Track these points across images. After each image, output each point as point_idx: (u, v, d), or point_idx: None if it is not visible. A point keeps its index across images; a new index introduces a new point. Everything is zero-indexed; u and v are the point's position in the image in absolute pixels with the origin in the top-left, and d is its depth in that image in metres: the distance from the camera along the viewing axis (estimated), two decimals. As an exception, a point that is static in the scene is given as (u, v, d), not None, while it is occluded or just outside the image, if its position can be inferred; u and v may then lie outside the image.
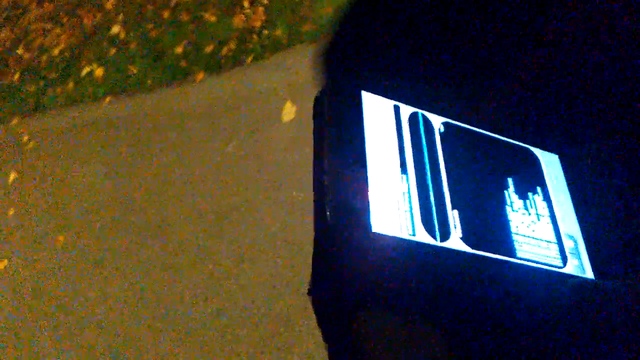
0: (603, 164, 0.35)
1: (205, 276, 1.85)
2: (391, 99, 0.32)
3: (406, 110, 0.33)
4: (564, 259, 0.31)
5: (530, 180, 0.34)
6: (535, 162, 0.36)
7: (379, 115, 0.31)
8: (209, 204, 2.06)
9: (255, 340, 1.60)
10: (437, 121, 0.33)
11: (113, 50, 3.24)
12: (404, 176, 0.29)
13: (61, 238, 2.42)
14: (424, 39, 0.36)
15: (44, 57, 3.68)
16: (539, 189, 0.34)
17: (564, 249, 0.32)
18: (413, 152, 0.31)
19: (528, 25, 0.35)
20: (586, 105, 0.36)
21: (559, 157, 0.37)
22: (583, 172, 0.36)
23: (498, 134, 0.35)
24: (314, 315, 0.28)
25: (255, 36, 2.51)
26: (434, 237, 0.28)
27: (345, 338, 0.27)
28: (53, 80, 3.44)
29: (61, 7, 3.95)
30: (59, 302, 2.17)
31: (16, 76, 3.75)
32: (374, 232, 0.26)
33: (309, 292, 0.27)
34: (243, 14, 2.64)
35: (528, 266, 0.30)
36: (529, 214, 0.32)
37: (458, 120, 0.34)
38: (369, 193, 0.27)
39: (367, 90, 0.31)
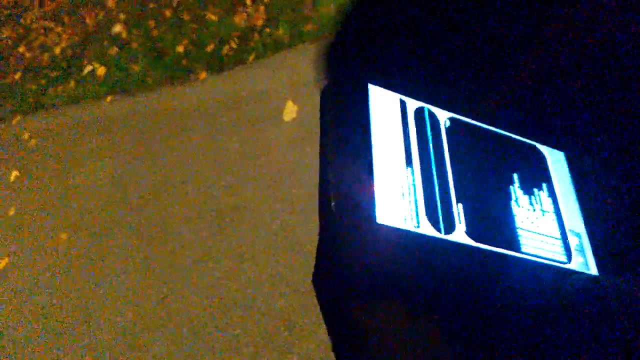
0: (609, 162, 0.35)
1: (205, 275, 1.85)
2: (397, 92, 0.32)
3: (412, 104, 0.33)
4: (569, 255, 0.31)
5: (536, 176, 0.34)
6: (541, 158, 0.36)
7: (385, 109, 0.31)
8: (210, 203, 2.05)
9: (255, 339, 1.60)
10: (443, 116, 0.33)
11: (115, 49, 3.24)
12: (409, 169, 0.29)
13: (63, 236, 2.42)
14: (428, 36, 0.36)
15: (46, 56, 3.68)
16: (544, 185, 0.34)
17: (568, 245, 0.32)
18: (418, 146, 0.31)
19: (536, 21, 0.35)
20: (593, 104, 0.36)
21: (565, 155, 0.37)
22: (589, 169, 0.36)
23: (504, 130, 0.35)
24: (314, 314, 0.28)
25: (256, 35, 2.51)
26: (438, 229, 0.28)
27: (348, 327, 0.27)
28: (54, 79, 3.44)
29: (63, 6, 3.95)
30: (60, 300, 2.17)
31: (17, 75, 3.75)
32: (379, 223, 0.26)
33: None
34: (245, 12, 2.64)
35: (532, 261, 0.30)
36: (534, 210, 0.32)
37: (464, 116, 0.34)
38: (374, 185, 0.27)
39: (373, 83, 0.32)
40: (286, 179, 1.92)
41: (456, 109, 0.35)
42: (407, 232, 0.27)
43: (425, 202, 0.28)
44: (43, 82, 3.50)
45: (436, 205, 0.29)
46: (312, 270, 0.28)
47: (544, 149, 0.36)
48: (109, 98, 2.98)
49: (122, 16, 3.39)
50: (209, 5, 2.87)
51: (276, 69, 2.32)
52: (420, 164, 0.30)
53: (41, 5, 4.03)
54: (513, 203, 0.32)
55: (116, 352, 1.85)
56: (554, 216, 0.33)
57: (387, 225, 0.26)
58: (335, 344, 0.27)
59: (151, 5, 3.23)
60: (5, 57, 3.99)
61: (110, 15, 3.50)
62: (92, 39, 3.47)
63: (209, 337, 1.69)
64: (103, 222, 2.34)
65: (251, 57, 2.45)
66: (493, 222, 0.30)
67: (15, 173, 3.01)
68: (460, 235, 0.28)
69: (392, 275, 0.27)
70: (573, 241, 0.32)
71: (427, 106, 0.33)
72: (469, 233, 0.29)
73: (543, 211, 0.33)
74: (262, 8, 2.59)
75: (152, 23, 3.13)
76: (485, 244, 0.29)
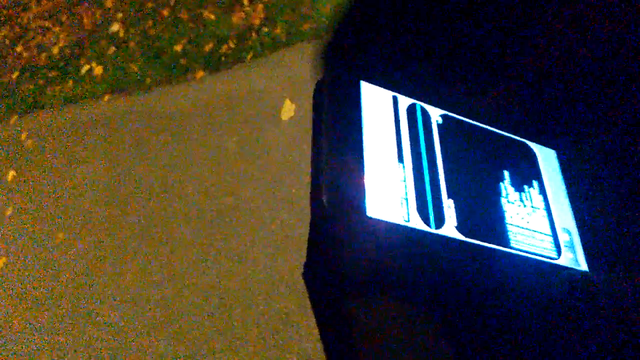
0: (599, 160, 0.35)
1: (204, 275, 1.85)
2: (390, 90, 0.33)
3: (404, 102, 0.33)
4: (559, 251, 0.32)
5: (527, 173, 0.35)
6: (532, 156, 0.36)
7: (378, 105, 0.32)
8: (208, 203, 2.06)
9: (254, 338, 1.60)
10: (435, 113, 0.34)
11: (112, 49, 3.23)
12: (401, 165, 0.30)
13: (60, 236, 2.42)
14: (423, 35, 0.37)
15: (43, 56, 3.68)
16: (535, 182, 0.35)
17: (558, 241, 0.32)
18: (410, 142, 0.31)
19: (527, 19, 0.35)
20: (583, 102, 0.36)
21: (556, 153, 0.38)
22: (580, 167, 0.37)
23: (496, 128, 0.36)
24: (313, 313, 0.28)
25: (254, 34, 2.51)
26: (428, 224, 0.28)
27: (338, 320, 0.28)
28: (52, 79, 3.44)
29: (60, 5, 3.95)
30: (58, 300, 2.17)
31: (15, 74, 3.74)
32: (369, 217, 0.27)
33: (304, 274, 0.27)
34: (243, 11, 2.64)
35: (522, 256, 0.30)
36: (525, 206, 0.33)
37: (456, 113, 0.35)
38: (365, 179, 0.28)
39: (367, 80, 0.32)
40: (285, 178, 1.92)
41: (448, 107, 0.35)
42: (397, 226, 0.27)
43: (416, 197, 0.29)
44: (41, 81, 3.50)
45: (427, 200, 0.29)
46: (307, 253, 0.28)
47: (535, 146, 0.36)
48: (106, 97, 2.98)
49: (119, 15, 3.39)
50: (207, 5, 2.87)
51: (274, 68, 2.32)
52: (412, 159, 0.30)
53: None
54: (503, 199, 0.32)
55: (115, 352, 1.86)
56: (544, 213, 0.33)
57: (377, 219, 0.27)
58: (325, 336, 0.27)
59: (149, 5, 3.23)
60: (2, 56, 3.99)
61: (108, 14, 3.50)
62: (90, 39, 3.46)
63: (208, 337, 1.69)
64: (100, 222, 2.34)
65: (249, 56, 2.46)
66: (483, 217, 0.30)
67: (12, 173, 3.00)
68: (450, 229, 0.29)
69: (382, 269, 0.27)
70: (563, 237, 0.33)
71: (419, 103, 0.33)
72: (459, 228, 0.29)
73: (533, 208, 0.33)
74: (260, 7, 2.59)
75: (149, 22, 3.13)
76: (475, 238, 0.29)
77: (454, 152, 0.32)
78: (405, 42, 0.37)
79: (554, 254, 0.31)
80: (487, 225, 0.30)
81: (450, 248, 0.28)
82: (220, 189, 2.07)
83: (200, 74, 2.61)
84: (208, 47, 2.66)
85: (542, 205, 0.34)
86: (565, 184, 0.36)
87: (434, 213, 0.29)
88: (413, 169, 0.30)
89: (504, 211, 0.31)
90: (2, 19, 4.29)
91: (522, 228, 0.31)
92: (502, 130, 0.36)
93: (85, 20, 3.62)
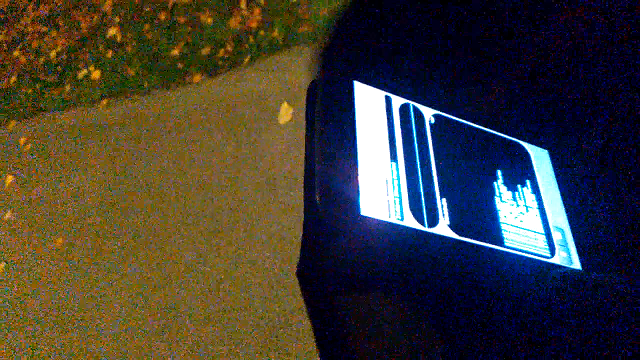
0: (592, 160, 0.36)
1: (202, 279, 1.85)
2: (383, 89, 0.33)
3: (397, 101, 0.33)
4: (552, 250, 0.32)
5: (520, 173, 0.35)
6: (525, 156, 0.36)
7: (371, 105, 0.32)
8: (206, 206, 2.06)
9: (253, 341, 1.60)
10: (428, 113, 0.34)
11: (110, 53, 3.24)
12: (394, 164, 0.30)
13: (59, 240, 2.42)
14: (418, 37, 0.37)
15: (41, 60, 3.68)
16: (528, 182, 0.35)
17: (552, 240, 0.32)
18: (403, 142, 0.31)
19: (520, 20, 0.35)
20: (576, 102, 0.36)
21: (549, 152, 0.38)
22: (573, 167, 0.37)
23: (489, 128, 0.36)
24: (306, 312, 0.28)
25: (252, 38, 2.52)
26: (422, 222, 0.28)
27: (332, 319, 0.28)
28: (50, 83, 3.44)
29: (57, 10, 3.95)
30: (57, 305, 2.16)
31: (12, 79, 3.74)
32: (363, 215, 0.27)
33: (297, 273, 0.28)
34: (240, 15, 2.65)
35: (515, 255, 0.30)
36: (518, 205, 0.33)
37: (449, 113, 0.35)
38: (358, 178, 0.28)
39: (360, 80, 0.32)
40: (282, 181, 1.92)
41: (442, 107, 0.35)
42: (391, 225, 0.27)
43: (409, 196, 0.29)
44: (38, 86, 3.50)
45: (420, 199, 0.29)
46: (300, 252, 0.28)
47: (528, 146, 0.37)
48: (104, 102, 2.98)
49: (116, 19, 3.39)
50: (204, 9, 2.87)
51: (271, 71, 2.33)
52: (405, 158, 0.30)
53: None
54: (497, 198, 0.32)
55: (113, 355, 1.85)
56: (537, 212, 0.33)
57: (370, 218, 0.27)
58: (318, 335, 0.27)
59: (146, 9, 3.24)
60: (0, 61, 3.99)
61: (105, 18, 3.50)
62: (87, 43, 3.47)
63: (207, 340, 1.69)
64: (99, 227, 2.34)
65: (246, 60, 2.46)
66: (476, 216, 0.31)
67: (10, 178, 3.00)
68: (443, 228, 0.29)
69: (375, 267, 0.27)
70: (556, 236, 0.33)
71: (412, 103, 0.34)
72: (453, 226, 0.29)
73: (526, 207, 0.33)
74: (257, 11, 2.60)
75: (147, 26, 3.13)
76: (469, 237, 0.29)
77: (447, 151, 0.33)
78: (399, 43, 0.37)
79: (547, 253, 0.32)
80: (480, 224, 0.30)
81: (444, 246, 0.28)
82: (217, 193, 2.07)
83: (197, 77, 2.61)
84: (205, 51, 2.67)
85: (535, 204, 0.34)
86: (558, 183, 0.36)
87: (427, 212, 0.29)
88: (406, 168, 0.30)
89: (497, 210, 0.32)
90: (-1, 23, 4.30)
91: (516, 227, 0.32)
92: (496, 130, 0.36)
93: (82, 25, 3.62)
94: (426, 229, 0.28)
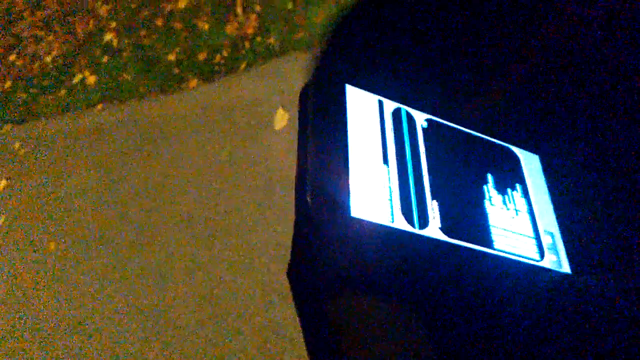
0: (582, 165, 0.36)
1: (196, 284, 1.84)
2: (376, 94, 0.33)
3: (390, 106, 0.33)
4: (542, 253, 0.32)
5: (510, 177, 0.35)
6: (515, 160, 0.37)
7: (363, 109, 0.32)
8: (201, 212, 2.05)
9: (247, 348, 1.59)
10: (420, 117, 0.34)
11: (106, 58, 3.24)
12: (386, 167, 0.30)
13: (52, 245, 2.40)
14: (412, 43, 0.37)
15: (36, 65, 3.67)
16: (518, 186, 0.35)
17: (541, 243, 0.33)
18: (395, 146, 0.31)
19: (512, 26, 0.36)
20: (567, 108, 0.37)
21: (540, 157, 0.38)
22: (562, 172, 0.37)
23: (480, 133, 0.36)
24: (297, 314, 0.28)
25: (248, 44, 2.52)
26: (413, 224, 0.29)
27: (322, 320, 0.28)
28: (45, 88, 3.43)
29: (54, 15, 3.95)
30: (50, 310, 2.15)
31: (8, 83, 3.73)
32: (353, 217, 0.27)
33: (288, 274, 0.28)
34: (236, 21, 2.66)
35: (505, 258, 0.30)
36: (508, 209, 0.33)
37: (441, 118, 0.35)
38: (350, 180, 0.28)
39: (352, 84, 0.33)
40: (278, 187, 1.92)
41: (434, 112, 0.36)
42: (382, 226, 0.28)
43: (400, 198, 0.29)
44: (34, 90, 3.49)
45: (411, 202, 0.29)
46: (291, 253, 0.28)
47: (518, 151, 0.37)
48: (99, 107, 2.98)
49: (113, 25, 3.39)
50: (200, 14, 2.88)
51: (267, 77, 2.33)
52: (397, 162, 0.31)
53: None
54: (487, 202, 0.33)
55: (106, 361, 1.84)
56: (527, 216, 0.34)
57: (361, 219, 0.27)
58: (308, 337, 0.27)
59: (142, 14, 3.24)
60: (-5, 65, 3.98)
61: (101, 23, 3.50)
62: (83, 48, 3.46)
63: (201, 346, 1.68)
64: (93, 232, 2.33)
65: (242, 66, 2.47)
66: (467, 219, 0.31)
67: (4, 182, 2.99)
68: (434, 230, 0.29)
69: (366, 269, 0.28)
70: (546, 240, 0.33)
71: (404, 107, 0.34)
72: (443, 229, 0.29)
73: (516, 210, 0.34)
74: (253, 17, 2.61)
75: (143, 32, 3.14)
76: (459, 239, 0.29)
77: (438, 155, 0.33)
78: (394, 49, 0.37)
79: (537, 256, 0.32)
80: (470, 227, 0.30)
81: (434, 248, 0.29)
82: (213, 198, 2.06)
83: (193, 83, 2.61)
84: (202, 57, 2.67)
85: (525, 208, 0.34)
86: (548, 188, 0.37)
87: (418, 214, 0.29)
88: (398, 171, 0.30)
89: (487, 213, 0.32)
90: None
91: (506, 230, 0.32)
92: (487, 135, 0.37)
93: (78, 30, 3.62)
94: (416, 230, 0.28)
